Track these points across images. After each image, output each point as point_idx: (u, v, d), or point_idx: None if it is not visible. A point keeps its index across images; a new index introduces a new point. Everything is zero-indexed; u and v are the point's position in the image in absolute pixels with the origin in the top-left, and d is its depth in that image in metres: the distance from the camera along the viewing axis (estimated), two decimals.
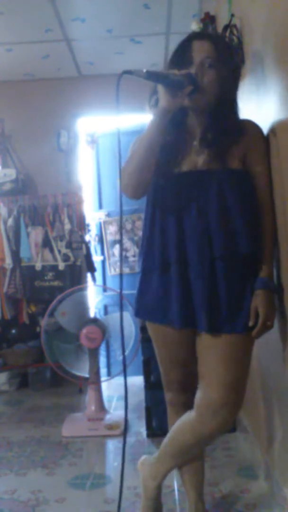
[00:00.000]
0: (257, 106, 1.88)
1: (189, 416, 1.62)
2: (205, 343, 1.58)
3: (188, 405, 1.65)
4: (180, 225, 1.56)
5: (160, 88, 1.47)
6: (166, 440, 1.71)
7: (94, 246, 4.29)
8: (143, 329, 2.59)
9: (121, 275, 1.80)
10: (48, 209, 4.00)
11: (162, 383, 1.78)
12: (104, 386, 3.18)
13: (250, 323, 1.56)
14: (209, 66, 1.52)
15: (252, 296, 1.57)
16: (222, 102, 1.55)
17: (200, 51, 1.53)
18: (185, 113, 1.59)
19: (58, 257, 3.87)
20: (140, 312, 1.69)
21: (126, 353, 3.03)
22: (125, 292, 3.26)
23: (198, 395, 1.60)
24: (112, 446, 2.75)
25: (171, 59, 1.59)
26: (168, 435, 1.71)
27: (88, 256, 3.97)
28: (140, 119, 1.60)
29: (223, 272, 1.54)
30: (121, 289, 1.66)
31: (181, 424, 1.65)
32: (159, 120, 1.50)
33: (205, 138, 1.57)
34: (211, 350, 1.57)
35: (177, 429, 1.67)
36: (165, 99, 1.47)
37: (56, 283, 3.81)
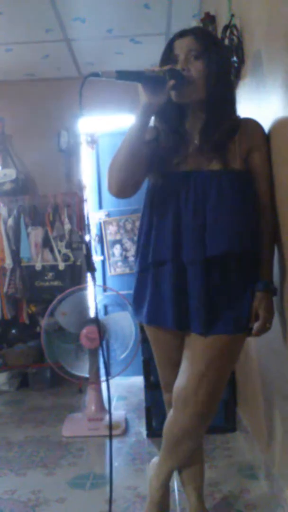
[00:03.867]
0: (257, 106, 1.88)
1: (170, 412, 1.65)
2: (193, 340, 1.58)
3: None
4: (177, 226, 1.55)
5: (139, 87, 1.47)
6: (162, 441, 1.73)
7: (94, 246, 4.29)
8: (143, 329, 2.59)
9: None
10: (48, 209, 4.01)
11: (161, 384, 1.79)
12: (104, 386, 3.18)
13: (251, 325, 1.56)
14: (195, 58, 1.52)
15: (252, 297, 1.57)
16: (216, 94, 1.53)
17: (183, 47, 1.53)
18: (183, 113, 1.59)
19: (58, 257, 3.87)
20: (138, 313, 1.68)
21: (126, 353, 3.04)
22: (125, 292, 3.28)
23: (174, 388, 1.61)
24: (112, 446, 2.75)
25: (159, 65, 1.58)
26: None
27: (88, 256, 3.97)
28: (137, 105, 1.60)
29: (221, 273, 1.53)
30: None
31: (167, 422, 1.68)
32: (141, 117, 1.50)
33: (205, 137, 1.56)
34: (194, 346, 1.57)
35: (165, 428, 1.69)
36: (146, 96, 1.47)
37: (56, 283, 3.81)
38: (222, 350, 1.55)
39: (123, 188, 1.58)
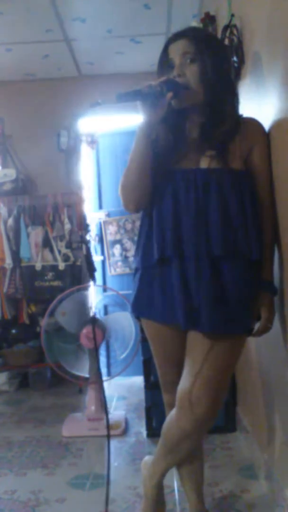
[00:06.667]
0: (257, 106, 1.88)
1: (172, 413, 1.63)
2: (194, 340, 1.57)
3: None
4: (178, 224, 1.54)
5: (139, 104, 1.47)
6: (159, 440, 1.72)
7: (94, 246, 4.29)
8: (143, 329, 2.59)
9: None
10: (48, 209, 4.01)
11: (160, 384, 1.78)
12: (104, 386, 3.17)
13: (252, 325, 1.56)
14: (191, 61, 1.51)
15: (254, 297, 1.56)
16: (214, 96, 1.53)
17: (177, 51, 1.53)
18: (182, 114, 1.59)
19: (58, 257, 3.87)
20: (140, 310, 1.67)
21: (126, 353, 3.03)
22: (125, 292, 3.28)
23: (178, 391, 1.59)
24: (112, 446, 2.74)
25: (157, 71, 1.59)
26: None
27: (88, 256, 3.97)
28: (139, 119, 1.61)
29: (224, 272, 1.52)
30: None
31: (168, 421, 1.66)
32: (145, 133, 1.52)
33: (204, 137, 1.56)
34: (199, 348, 1.56)
35: (165, 427, 1.67)
36: (146, 114, 1.48)
37: (56, 283, 3.81)
38: (226, 352, 1.54)
39: (140, 204, 1.61)
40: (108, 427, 1.72)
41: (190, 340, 1.60)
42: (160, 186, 1.58)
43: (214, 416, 1.57)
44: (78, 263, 3.88)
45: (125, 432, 2.89)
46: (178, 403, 1.59)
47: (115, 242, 4.26)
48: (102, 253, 4.34)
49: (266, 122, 1.66)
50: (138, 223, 4.08)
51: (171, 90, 1.47)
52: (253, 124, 1.61)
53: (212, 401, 1.54)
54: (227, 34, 2.16)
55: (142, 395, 2.91)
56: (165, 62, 1.56)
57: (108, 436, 1.74)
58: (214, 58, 1.52)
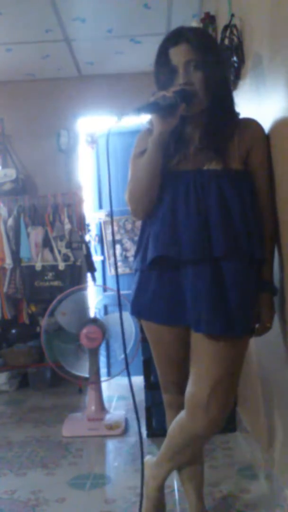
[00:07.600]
0: (257, 106, 1.88)
1: (181, 416, 1.62)
2: (200, 342, 1.56)
3: None
4: (177, 225, 1.54)
5: (153, 116, 1.48)
6: (164, 442, 1.71)
7: (94, 246, 4.29)
8: (143, 329, 2.59)
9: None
10: (48, 209, 4.01)
11: (160, 384, 1.78)
12: (104, 386, 3.18)
13: (253, 325, 1.56)
14: (195, 68, 1.51)
15: (254, 298, 1.56)
16: (218, 101, 1.54)
17: (179, 57, 1.52)
18: (183, 117, 1.59)
19: (58, 257, 3.87)
20: (139, 311, 1.67)
21: (126, 353, 3.03)
22: (125, 292, 3.28)
23: (188, 394, 1.58)
24: (112, 446, 2.75)
25: (156, 73, 1.59)
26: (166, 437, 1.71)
27: (88, 256, 3.97)
28: (138, 119, 1.61)
29: (225, 273, 1.52)
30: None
31: (174, 425, 1.65)
32: (157, 145, 1.52)
33: (205, 140, 1.56)
34: (206, 350, 1.55)
35: (171, 430, 1.67)
36: (160, 125, 1.49)
37: (56, 283, 3.81)
38: (232, 354, 1.54)
39: (148, 212, 1.61)
40: (138, 420, 1.72)
41: (195, 342, 1.58)
42: (161, 189, 1.59)
43: (225, 417, 1.57)
44: (78, 263, 3.88)
45: (125, 432, 2.89)
46: (189, 408, 1.57)
47: (115, 242, 4.25)
48: (102, 253, 4.34)
49: (266, 122, 1.66)
50: (138, 223, 4.10)
51: (184, 101, 1.48)
52: (252, 124, 1.61)
53: (223, 404, 1.53)
54: (227, 34, 2.17)
55: (142, 395, 2.90)
56: (165, 65, 1.55)
57: (139, 423, 1.74)
58: (216, 62, 1.53)
